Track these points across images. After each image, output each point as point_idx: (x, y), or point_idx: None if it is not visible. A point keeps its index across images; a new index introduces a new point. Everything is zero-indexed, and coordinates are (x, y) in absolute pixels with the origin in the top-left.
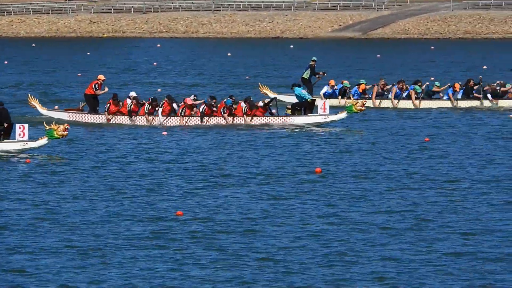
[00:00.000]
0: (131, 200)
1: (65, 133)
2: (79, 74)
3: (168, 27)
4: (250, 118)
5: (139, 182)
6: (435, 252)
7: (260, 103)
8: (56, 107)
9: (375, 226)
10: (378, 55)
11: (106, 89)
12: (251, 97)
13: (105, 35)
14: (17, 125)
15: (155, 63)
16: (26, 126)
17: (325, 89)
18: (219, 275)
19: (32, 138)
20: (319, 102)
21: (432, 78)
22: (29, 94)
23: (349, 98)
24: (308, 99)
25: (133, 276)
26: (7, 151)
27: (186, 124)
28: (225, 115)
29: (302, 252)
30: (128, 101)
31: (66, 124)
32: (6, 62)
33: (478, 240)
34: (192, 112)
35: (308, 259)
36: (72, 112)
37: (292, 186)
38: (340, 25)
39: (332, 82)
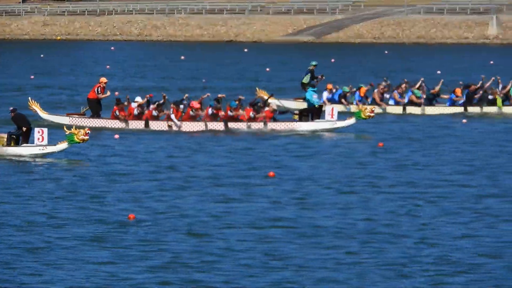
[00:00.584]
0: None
1: (85, 137)
2: (32, 77)
3: (122, 30)
4: (261, 123)
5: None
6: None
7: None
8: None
9: (327, 230)
10: (332, 60)
11: (108, 93)
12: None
13: (59, 38)
14: (36, 129)
15: (108, 66)
16: (45, 130)
17: (326, 94)
18: (167, 277)
19: (51, 143)
20: (327, 108)
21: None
22: (29, 98)
23: (351, 103)
24: (316, 105)
25: (76, 278)
26: (25, 156)
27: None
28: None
29: (248, 255)
30: (134, 104)
31: (87, 129)
32: None
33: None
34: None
35: (254, 261)
36: (74, 117)
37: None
38: (294, 29)
39: (330, 86)
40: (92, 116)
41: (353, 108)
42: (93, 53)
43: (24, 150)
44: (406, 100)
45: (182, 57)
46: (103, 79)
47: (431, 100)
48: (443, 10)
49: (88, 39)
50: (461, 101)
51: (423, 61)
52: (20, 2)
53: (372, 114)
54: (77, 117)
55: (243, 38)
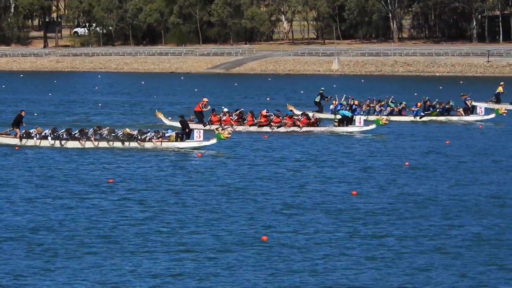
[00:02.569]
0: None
1: (228, 136)
2: (50, 94)
3: (105, 65)
4: (300, 128)
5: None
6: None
7: (313, 118)
8: None
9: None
10: (236, 84)
11: (209, 107)
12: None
13: (66, 70)
14: (195, 130)
15: (96, 87)
16: (202, 131)
17: (332, 107)
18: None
19: (206, 139)
20: (356, 118)
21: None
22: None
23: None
24: (349, 116)
25: None
26: (189, 148)
27: (263, 131)
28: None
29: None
30: (221, 114)
31: (230, 129)
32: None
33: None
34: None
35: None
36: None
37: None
38: (212, 65)
39: (335, 102)
40: (198, 123)
41: (373, 117)
42: (87, 80)
43: (188, 144)
44: (386, 112)
45: (143, 82)
46: (205, 99)
47: (401, 112)
48: (304, 53)
49: (84, 71)
50: (421, 111)
51: (293, 85)
52: (42, 48)
53: (386, 122)
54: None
55: (181, 70)
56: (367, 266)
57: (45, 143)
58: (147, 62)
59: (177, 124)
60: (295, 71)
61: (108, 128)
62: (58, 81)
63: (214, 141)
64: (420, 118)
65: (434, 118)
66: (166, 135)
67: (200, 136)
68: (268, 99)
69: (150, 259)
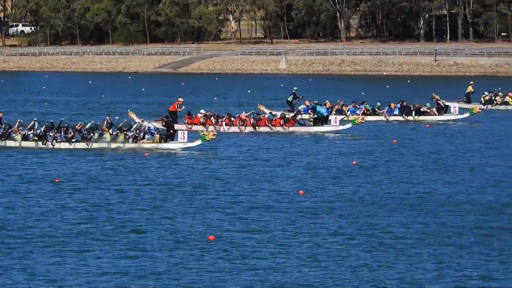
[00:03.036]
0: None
1: (213, 137)
2: None
3: (52, 65)
4: (287, 128)
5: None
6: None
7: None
8: None
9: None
10: (183, 83)
11: (183, 107)
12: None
13: (13, 70)
14: (179, 132)
15: (44, 87)
16: (186, 132)
17: (302, 107)
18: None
19: (190, 140)
20: (332, 117)
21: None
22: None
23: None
24: (325, 115)
25: None
26: (173, 149)
27: (244, 132)
28: (270, 125)
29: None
30: (199, 115)
31: (214, 131)
32: None
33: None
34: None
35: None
36: None
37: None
38: (159, 64)
39: (307, 102)
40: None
41: (351, 117)
42: (35, 79)
43: (172, 146)
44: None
45: (90, 82)
46: (181, 99)
47: (375, 112)
48: (252, 52)
49: (31, 70)
50: (396, 112)
51: (242, 85)
52: None
53: (363, 121)
54: None
55: (128, 70)
56: (312, 265)
57: (27, 143)
58: (94, 62)
59: (149, 124)
60: (243, 70)
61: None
62: (4, 81)
63: (198, 142)
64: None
65: (409, 118)
66: (147, 136)
67: (184, 138)
68: (215, 98)
69: (95, 258)
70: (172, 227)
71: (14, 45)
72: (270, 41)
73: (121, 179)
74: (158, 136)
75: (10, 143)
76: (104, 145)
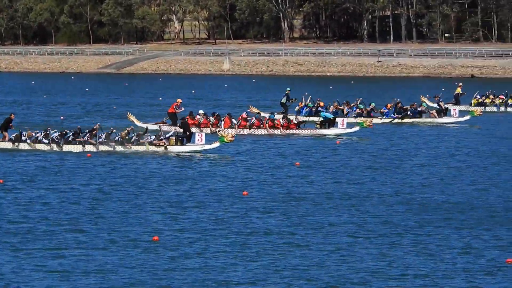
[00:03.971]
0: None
1: (232, 139)
2: None
3: None
4: (285, 130)
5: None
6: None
7: (294, 120)
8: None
9: None
10: (126, 83)
11: (182, 109)
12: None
13: None
14: (196, 133)
15: None
16: (203, 134)
17: (297, 108)
18: None
19: (208, 142)
20: (339, 120)
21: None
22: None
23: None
24: (331, 118)
25: None
26: (190, 152)
27: (241, 133)
28: (267, 126)
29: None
30: (198, 116)
31: (233, 133)
32: None
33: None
34: (247, 124)
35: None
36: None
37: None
38: (103, 65)
39: (301, 104)
40: (172, 125)
41: (358, 120)
42: None
43: (189, 148)
44: (354, 114)
45: (33, 82)
46: (179, 100)
47: (370, 113)
48: (195, 53)
49: None
50: (392, 113)
51: (187, 84)
52: None
53: (371, 125)
54: None
55: (71, 70)
56: (244, 263)
57: (40, 146)
58: (37, 62)
59: (150, 126)
60: (186, 71)
61: (106, 132)
62: None
63: (217, 144)
64: (391, 120)
65: (406, 120)
66: (166, 136)
67: (202, 140)
68: (160, 99)
69: (36, 257)
70: (116, 227)
71: None
72: (214, 41)
73: (56, 178)
74: (174, 138)
75: (22, 146)
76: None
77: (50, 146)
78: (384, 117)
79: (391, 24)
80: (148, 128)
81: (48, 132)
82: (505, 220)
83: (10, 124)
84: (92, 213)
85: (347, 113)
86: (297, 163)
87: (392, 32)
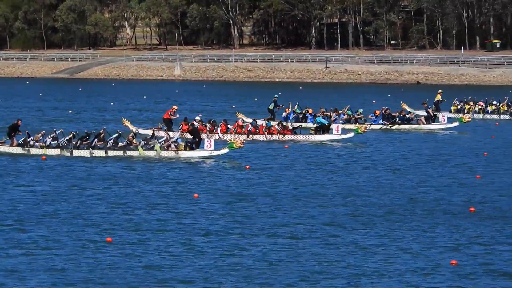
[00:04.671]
0: None
1: (241, 145)
2: None
3: None
4: (282, 136)
5: None
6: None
7: (290, 126)
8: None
9: None
10: (80, 88)
11: (177, 115)
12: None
13: None
14: (205, 140)
15: None
16: (212, 140)
17: (284, 114)
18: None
19: (216, 148)
20: (333, 126)
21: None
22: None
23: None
24: (326, 124)
25: None
26: (199, 158)
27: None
28: (265, 133)
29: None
30: (195, 123)
31: (242, 139)
32: None
33: None
34: (242, 131)
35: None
36: None
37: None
38: (57, 70)
39: (287, 110)
40: (167, 131)
41: (353, 126)
42: None
43: (198, 154)
44: (341, 120)
45: None
46: (175, 106)
47: (357, 119)
48: (147, 59)
49: None
50: (380, 120)
51: (138, 90)
52: None
53: (365, 130)
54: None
55: (26, 75)
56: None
57: (51, 151)
58: None
59: (145, 131)
60: (138, 76)
61: (114, 136)
62: None
63: (226, 150)
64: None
65: (395, 126)
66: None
67: (210, 145)
68: (112, 103)
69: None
70: (70, 229)
71: None
72: (165, 47)
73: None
74: (183, 144)
75: (33, 151)
76: (136, 154)
77: (59, 151)
78: (373, 123)
79: (338, 31)
80: (140, 132)
81: (56, 136)
82: (453, 221)
83: (18, 131)
84: (42, 213)
85: (335, 120)
86: (247, 166)
87: (339, 39)
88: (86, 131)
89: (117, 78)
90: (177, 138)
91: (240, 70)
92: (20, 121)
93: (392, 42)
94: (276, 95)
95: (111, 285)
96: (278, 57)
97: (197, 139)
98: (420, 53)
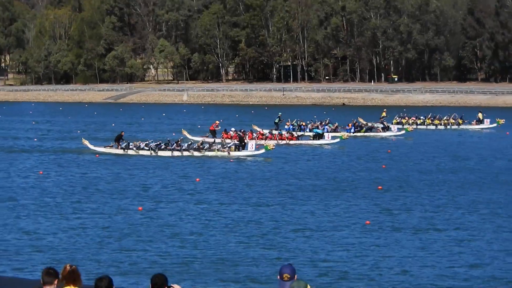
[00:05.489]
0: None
1: (273, 147)
2: None
3: (36, 97)
4: (289, 141)
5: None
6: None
7: (295, 134)
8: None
9: None
10: (121, 109)
11: (219, 127)
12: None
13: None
14: (249, 143)
15: (30, 111)
16: (254, 142)
17: (286, 126)
18: None
19: (257, 149)
20: (325, 134)
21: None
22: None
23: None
24: (321, 133)
25: None
26: (245, 156)
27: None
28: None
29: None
30: (231, 132)
31: (273, 143)
32: None
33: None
34: (263, 137)
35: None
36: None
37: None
38: (106, 97)
39: (288, 123)
40: (211, 138)
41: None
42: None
43: (244, 153)
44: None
45: (60, 108)
46: (217, 122)
47: (334, 130)
48: (165, 89)
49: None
50: (352, 129)
51: (159, 110)
52: None
53: (347, 137)
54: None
55: (85, 100)
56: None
57: (143, 152)
58: (63, 95)
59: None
60: (160, 101)
61: (189, 142)
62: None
63: (262, 151)
64: (353, 132)
65: (362, 134)
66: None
67: (253, 147)
68: (142, 119)
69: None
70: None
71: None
72: (177, 82)
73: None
74: (233, 146)
75: (130, 152)
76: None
77: (150, 152)
78: (348, 132)
79: (291, 70)
80: (195, 139)
81: (147, 142)
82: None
83: (122, 139)
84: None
85: (323, 129)
86: (197, 180)
87: (291, 76)
88: (168, 139)
89: (145, 102)
90: (232, 143)
91: (226, 96)
92: (123, 132)
93: (326, 77)
94: (280, 113)
95: None
96: (251, 88)
97: (243, 143)
98: (344, 85)
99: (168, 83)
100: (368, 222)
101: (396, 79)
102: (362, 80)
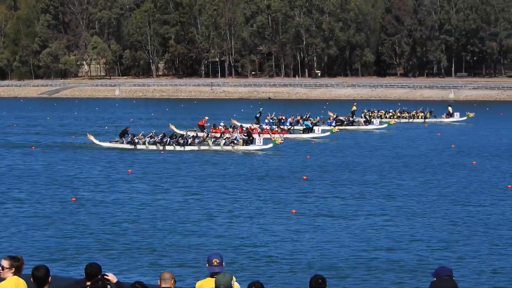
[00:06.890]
0: None
1: (282, 141)
2: None
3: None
4: (282, 134)
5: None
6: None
7: (286, 128)
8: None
9: None
10: (55, 104)
11: (208, 124)
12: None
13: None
14: (257, 138)
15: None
16: (262, 137)
17: (266, 120)
18: None
19: (265, 144)
20: (315, 128)
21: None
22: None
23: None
24: (311, 126)
25: None
26: (255, 150)
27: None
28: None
29: None
30: (220, 127)
31: (282, 138)
32: None
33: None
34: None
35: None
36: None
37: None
38: (40, 92)
39: (268, 117)
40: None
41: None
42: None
43: (252, 147)
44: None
45: None
46: (206, 117)
47: (316, 124)
48: (98, 85)
49: None
50: (333, 123)
51: (94, 105)
52: None
53: (338, 131)
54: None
55: (20, 96)
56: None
57: (152, 147)
58: None
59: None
60: (93, 96)
61: (192, 135)
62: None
63: (271, 145)
64: (334, 126)
65: (344, 127)
66: (236, 141)
67: (261, 142)
68: (75, 113)
69: None
70: None
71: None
72: (109, 77)
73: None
74: (241, 141)
75: (139, 146)
76: (206, 147)
77: (157, 147)
78: (328, 126)
79: (219, 66)
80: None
81: (152, 135)
82: None
83: (128, 133)
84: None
85: (302, 123)
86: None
87: (219, 71)
88: (173, 133)
89: (79, 97)
90: (237, 137)
91: (157, 91)
92: (129, 127)
93: (253, 72)
94: (261, 108)
95: None
96: (181, 83)
97: (251, 138)
98: (270, 80)
99: (100, 78)
100: (294, 211)
101: (319, 74)
102: (287, 75)
